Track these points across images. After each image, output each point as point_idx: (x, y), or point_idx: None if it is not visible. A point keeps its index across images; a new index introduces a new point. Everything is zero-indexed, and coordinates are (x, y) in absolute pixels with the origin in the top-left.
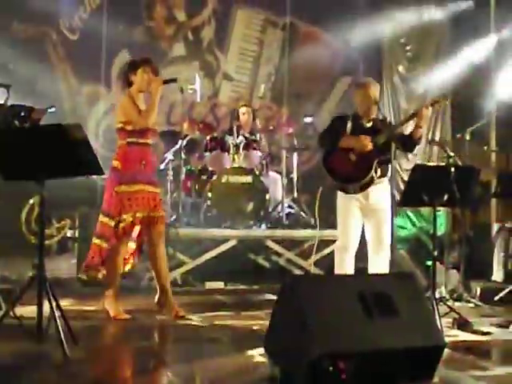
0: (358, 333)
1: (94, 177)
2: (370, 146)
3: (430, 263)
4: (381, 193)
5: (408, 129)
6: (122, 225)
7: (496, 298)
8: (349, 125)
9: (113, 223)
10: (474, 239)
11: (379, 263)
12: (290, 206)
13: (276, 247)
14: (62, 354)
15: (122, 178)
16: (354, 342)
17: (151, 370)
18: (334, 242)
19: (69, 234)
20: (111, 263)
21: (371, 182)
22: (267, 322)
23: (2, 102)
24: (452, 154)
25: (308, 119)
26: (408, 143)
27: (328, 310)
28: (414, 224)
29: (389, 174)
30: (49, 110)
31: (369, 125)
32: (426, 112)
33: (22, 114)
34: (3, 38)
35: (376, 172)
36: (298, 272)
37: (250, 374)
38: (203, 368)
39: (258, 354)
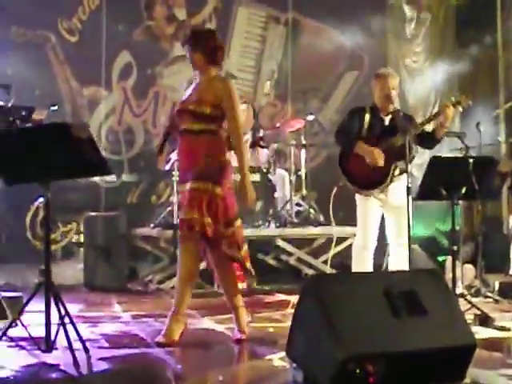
0: (386, 333)
1: (96, 179)
2: (380, 163)
3: (442, 259)
4: (400, 189)
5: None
6: None
7: None
8: (367, 118)
9: None
10: (486, 233)
11: (402, 256)
12: (298, 204)
13: (287, 246)
14: (72, 364)
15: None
16: (382, 343)
17: (166, 379)
18: (345, 239)
19: (74, 239)
20: None
21: (390, 183)
22: (283, 324)
23: (2, 103)
24: (468, 145)
25: (310, 117)
26: (429, 142)
27: (353, 309)
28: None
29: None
30: (51, 108)
31: (387, 119)
32: (450, 112)
33: (23, 113)
34: (2, 42)
35: (394, 173)
36: (309, 271)
37: (271, 379)
38: (220, 375)
39: (277, 358)
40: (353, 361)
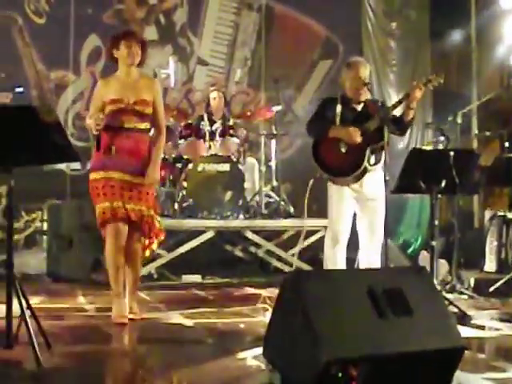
0: (370, 335)
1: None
2: (358, 139)
3: (410, 251)
4: (376, 181)
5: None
6: None
7: (491, 290)
8: (338, 108)
9: None
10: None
11: (371, 253)
12: (267, 195)
13: (256, 238)
14: (34, 361)
15: None
16: (365, 346)
17: (132, 378)
18: (316, 232)
19: (37, 227)
20: None
21: (364, 172)
22: (254, 320)
23: None
24: (450, 137)
25: (276, 108)
26: (399, 126)
27: (335, 309)
28: None
29: (383, 160)
30: (17, 90)
31: (359, 108)
32: (418, 93)
33: None
34: None
35: (369, 161)
36: (278, 264)
37: (245, 381)
38: (188, 375)
39: (250, 357)
40: (335, 364)
